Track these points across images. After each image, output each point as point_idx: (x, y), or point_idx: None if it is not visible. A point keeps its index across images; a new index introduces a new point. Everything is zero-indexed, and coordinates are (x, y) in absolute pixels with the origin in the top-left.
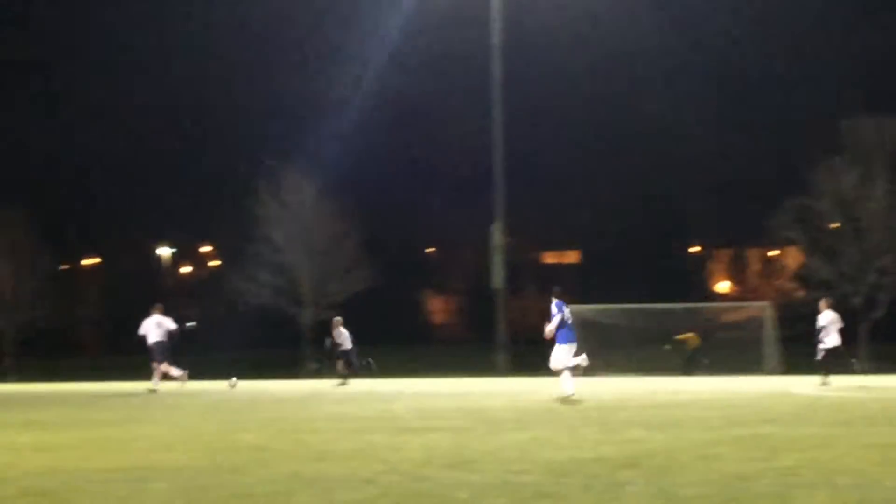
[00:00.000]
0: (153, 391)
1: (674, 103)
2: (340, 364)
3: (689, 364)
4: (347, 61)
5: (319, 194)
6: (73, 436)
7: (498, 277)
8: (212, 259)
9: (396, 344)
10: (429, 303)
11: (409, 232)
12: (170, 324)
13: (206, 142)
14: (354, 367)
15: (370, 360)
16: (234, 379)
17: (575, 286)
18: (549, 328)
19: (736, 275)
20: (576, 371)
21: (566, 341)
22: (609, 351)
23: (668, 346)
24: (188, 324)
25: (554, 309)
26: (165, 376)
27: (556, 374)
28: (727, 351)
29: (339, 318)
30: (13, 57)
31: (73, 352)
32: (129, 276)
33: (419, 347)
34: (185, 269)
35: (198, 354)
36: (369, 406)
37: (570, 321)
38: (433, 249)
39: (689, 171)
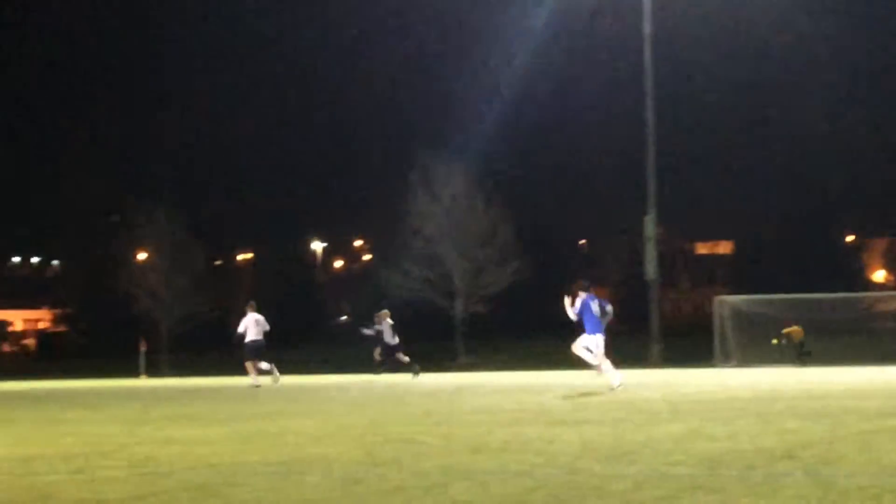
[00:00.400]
0: (256, 387)
1: (830, 92)
2: (377, 352)
3: (799, 355)
4: (497, 53)
5: (471, 187)
6: (227, 430)
7: (651, 268)
8: (364, 253)
9: (548, 336)
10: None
11: (561, 224)
12: (265, 324)
13: (358, 137)
14: (386, 363)
15: (417, 367)
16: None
17: (728, 276)
18: (570, 311)
19: (892, 264)
20: (588, 365)
21: (592, 332)
22: (764, 341)
23: (775, 341)
24: (340, 318)
25: (579, 302)
26: (262, 371)
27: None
28: (885, 340)
29: (385, 311)
30: (171, 57)
31: (226, 346)
32: (282, 271)
33: (571, 339)
34: (338, 264)
35: (348, 348)
36: (521, 398)
37: (598, 314)
38: (585, 241)
39: (844, 159)
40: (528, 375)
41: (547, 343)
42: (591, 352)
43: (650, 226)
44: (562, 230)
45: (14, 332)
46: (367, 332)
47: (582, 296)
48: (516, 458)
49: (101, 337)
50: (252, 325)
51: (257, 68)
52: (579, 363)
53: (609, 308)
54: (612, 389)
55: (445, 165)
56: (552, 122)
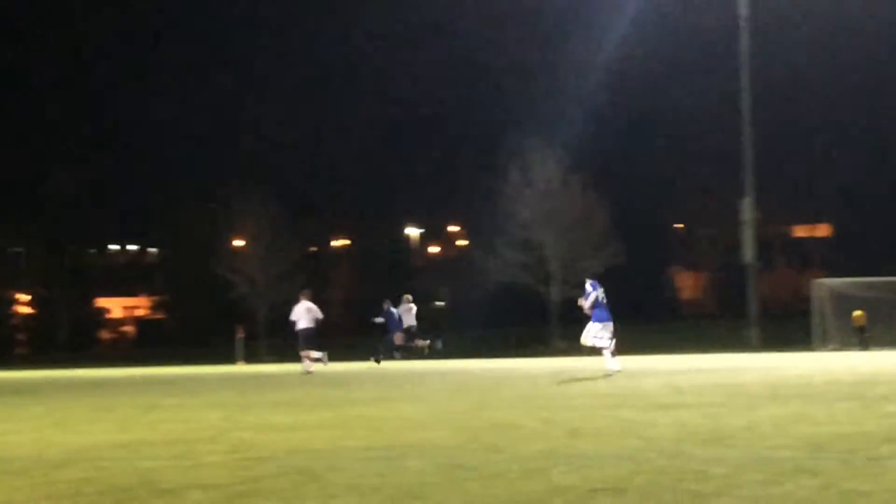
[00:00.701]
0: (308, 373)
1: None
2: (400, 337)
3: (861, 341)
4: (591, 36)
5: (566, 171)
6: (326, 415)
7: (748, 252)
8: (460, 238)
9: (645, 320)
10: (678, 279)
11: (657, 207)
12: (317, 312)
13: (453, 122)
14: (408, 347)
15: (440, 341)
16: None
17: (826, 259)
18: (586, 305)
19: None
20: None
21: (599, 320)
22: (866, 325)
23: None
24: (437, 302)
25: (588, 287)
26: (313, 359)
27: (596, 350)
28: None
29: (409, 296)
30: (266, 45)
31: (322, 332)
32: (378, 257)
33: (668, 324)
34: (434, 249)
35: (445, 333)
36: (620, 383)
37: (604, 300)
38: (682, 225)
39: None
40: (624, 360)
41: (643, 328)
42: (597, 338)
43: (747, 209)
44: (658, 214)
45: (113, 320)
46: (378, 320)
47: (588, 286)
48: (616, 442)
49: (198, 323)
50: (304, 314)
51: (353, 54)
52: (593, 351)
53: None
54: (608, 375)
55: (540, 150)
56: (648, 105)
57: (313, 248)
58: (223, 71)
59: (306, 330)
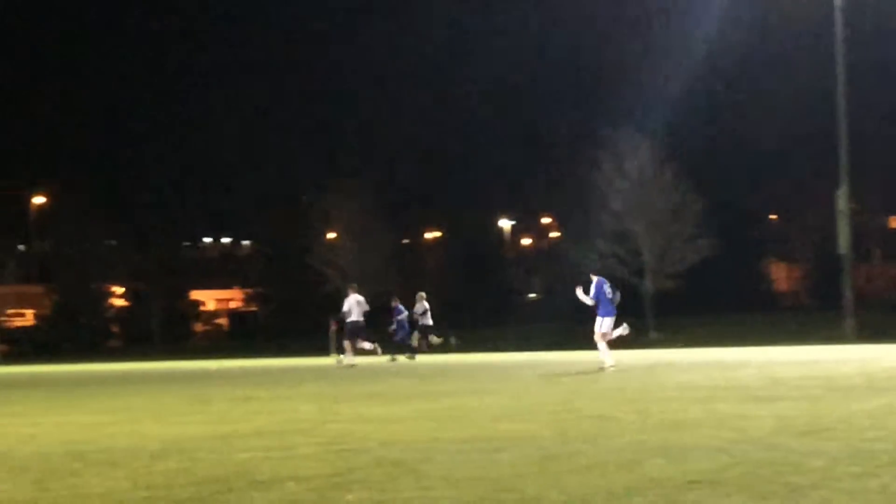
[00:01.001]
0: (352, 366)
1: None
2: (416, 337)
3: None
4: (681, 24)
5: (659, 162)
6: (420, 407)
7: (843, 243)
8: (552, 230)
9: (739, 312)
10: (772, 270)
11: (751, 198)
12: (366, 304)
13: (546, 113)
14: (423, 345)
15: (453, 337)
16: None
17: None
18: (586, 298)
19: None
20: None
21: (605, 314)
22: None
23: None
24: (530, 295)
25: (593, 288)
26: (361, 351)
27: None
28: None
29: (422, 294)
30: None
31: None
32: (470, 249)
33: (762, 315)
34: (526, 241)
35: (538, 325)
36: (714, 374)
37: (610, 295)
38: (776, 216)
39: None
40: (719, 352)
41: (737, 319)
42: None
43: (843, 199)
44: (752, 205)
45: (206, 312)
46: (399, 318)
47: (595, 280)
48: (711, 434)
49: (291, 316)
50: (354, 307)
51: (445, 46)
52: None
53: (617, 294)
54: (602, 369)
55: (633, 141)
56: (740, 93)
57: (406, 241)
58: (316, 65)
59: (356, 323)
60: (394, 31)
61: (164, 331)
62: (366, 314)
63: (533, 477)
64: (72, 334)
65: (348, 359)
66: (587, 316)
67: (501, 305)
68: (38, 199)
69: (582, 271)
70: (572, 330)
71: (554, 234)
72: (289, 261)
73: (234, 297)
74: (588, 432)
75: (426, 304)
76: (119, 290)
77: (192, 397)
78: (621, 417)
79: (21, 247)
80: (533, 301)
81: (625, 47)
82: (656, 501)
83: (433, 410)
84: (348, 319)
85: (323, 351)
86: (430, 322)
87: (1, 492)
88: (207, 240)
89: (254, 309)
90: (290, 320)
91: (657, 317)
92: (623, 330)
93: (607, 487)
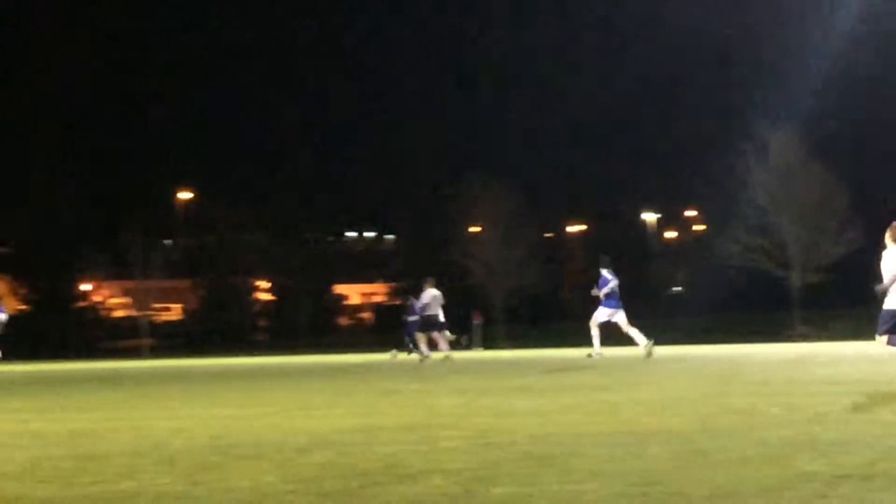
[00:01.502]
0: (426, 357)
1: None
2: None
3: None
4: (826, 15)
5: (805, 154)
6: (563, 400)
7: None
8: (697, 223)
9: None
10: None
11: None
12: (442, 299)
13: (691, 105)
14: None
15: (466, 337)
16: (394, 352)
17: None
18: (600, 291)
19: None
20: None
21: (608, 307)
22: None
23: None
24: (674, 288)
25: (607, 276)
26: (434, 345)
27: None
28: None
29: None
30: (499, 36)
31: (558, 318)
32: (614, 243)
33: None
34: (670, 234)
35: (682, 318)
36: (864, 368)
37: (616, 290)
38: None
39: None
40: (868, 346)
41: None
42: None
43: None
44: None
45: (350, 306)
46: (412, 318)
47: (603, 272)
48: (860, 429)
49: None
50: (432, 301)
51: (593, 46)
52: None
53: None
54: (589, 356)
55: (778, 132)
56: (889, 86)
57: (549, 234)
58: (463, 60)
59: (431, 317)
60: (545, 28)
61: (310, 325)
62: (444, 308)
63: (679, 471)
64: (218, 328)
65: (424, 352)
66: (726, 309)
67: (645, 299)
68: (185, 195)
69: (725, 265)
70: (716, 323)
71: (698, 227)
72: (431, 254)
73: (377, 291)
74: (734, 426)
75: (433, 294)
76: (264, 284)
77: (336, 390)
78: (768, 411)
79: (167, 241)
80: (677, 294)
81: (772, 39)
82: (807, 495)
83: (579, 404)
84: (425, 313)
85: (467, 344)
86: (432, 314)
87: (155, 485)
88: (351, 234)
89: (398, 302)
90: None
91: (804, 310)
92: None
93: (756, 481)
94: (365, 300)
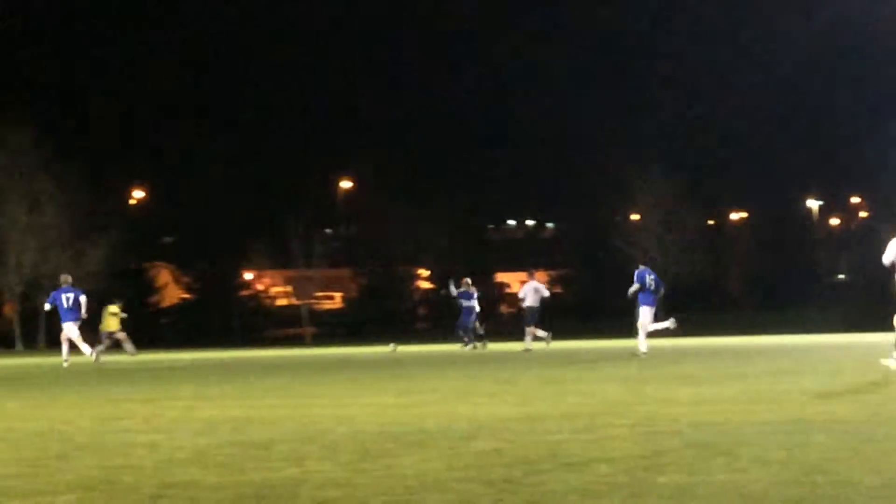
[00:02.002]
0: (528, 350)
1: None
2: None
3: None
4: None
5: None
6: (726, 389)
7: None
8: (861, 210)
9: None
10: None
11: None
12: (544, 290)
13: (845, 94)
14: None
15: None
16: (393, 345)
17: None
18: (631, 290)
19: None
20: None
21: (645, 304)
22: None
23: None
24: (838, 276)
25: (644, 274)
26: (535, 337)
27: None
28: None
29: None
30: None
31: (725, 306)
32: (777, 230)
33: None
34: (834, 221)
35: (847, 307)
36: None
37: (651, 286)
38: None
39: None
40: None
41: None
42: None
43: None
44: None
45: (512, 294)
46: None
47: (640, 269)
48: None
49: (596, 297)
50: (531, 293)
51: (749, 23)
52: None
53: (662, 287)
54: (634, 355)
55: None
56: None
57: (711, 222)
58: (632, 50)
59: (532, 308)
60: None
61: None
62: (543, 299)
63: (846, 460)
64: (379, 316)
65: (527, 343)
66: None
67: (808, 286)
68: (345, 184)
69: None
70: (880, 311)
71: (863, 214)
72: (593, 242)
73: (539, 280)
74: None
75: (534, 287)
76: (424, 272)
77: (498, 378)
78: None
79: (328, 230)
80: (841, 282)
81: None
82: None
83: (743, 392)
84: (524, 304)
85: (628, 333)
86: (532, 306)
87: (320, 472)
88: (511, 222)
89: (558, 290)
90: (596, 301)
91: None
92: (670, 324)
93: None
94: None
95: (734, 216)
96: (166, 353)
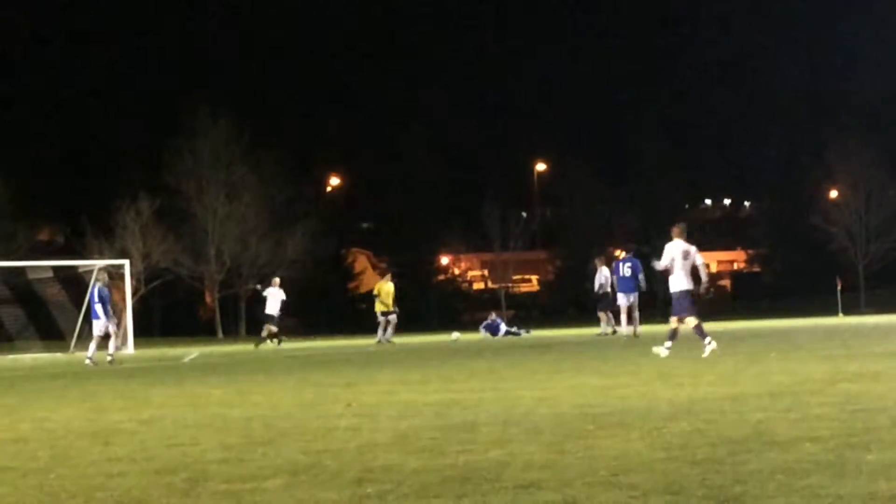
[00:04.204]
0: (606, 334)
1: None
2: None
3: None
4: None
5: None
6: None
7: None
8: None
9: None
10: None
11: None
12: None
13: None
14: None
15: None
16: (457, 334)
17: None
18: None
19: None
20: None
21: (623, 290)
22: None
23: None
24: None
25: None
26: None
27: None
28: None
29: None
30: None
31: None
32: None
33: None
34: None
35: None
36: None
37: (629, 276)
38: None
39: None
40: None
41: None
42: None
43: None
44: None
45: (709, 274)
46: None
47: (622, 256)
48: None
49: (796, 276)
50: (605, 281)
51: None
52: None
53: (641, 276)
54: (611, 333)
55: None
56: None
57: None
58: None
59: (606, 294)
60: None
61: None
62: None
63: None
64: (575, 299)
65: (602, 328)
66: None
67: None
68: (540, 166)
69: None
70: None
71: None
72: (792, 221)
73: (736, 259)
74: None
75: (606, 275)
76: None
77: (697, 359)
78: None
79: (524, 213)
80: None
81: None
82: None
83: None
84: (600, 291)
85: (830, 310)
86: (607, 293)
87: (524, 453)
88: (708, 202)
89: (757, 269)
90: (795, 280)
91: None
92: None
93: None
94: (723, 268)
95: None
96: (364, 339)
